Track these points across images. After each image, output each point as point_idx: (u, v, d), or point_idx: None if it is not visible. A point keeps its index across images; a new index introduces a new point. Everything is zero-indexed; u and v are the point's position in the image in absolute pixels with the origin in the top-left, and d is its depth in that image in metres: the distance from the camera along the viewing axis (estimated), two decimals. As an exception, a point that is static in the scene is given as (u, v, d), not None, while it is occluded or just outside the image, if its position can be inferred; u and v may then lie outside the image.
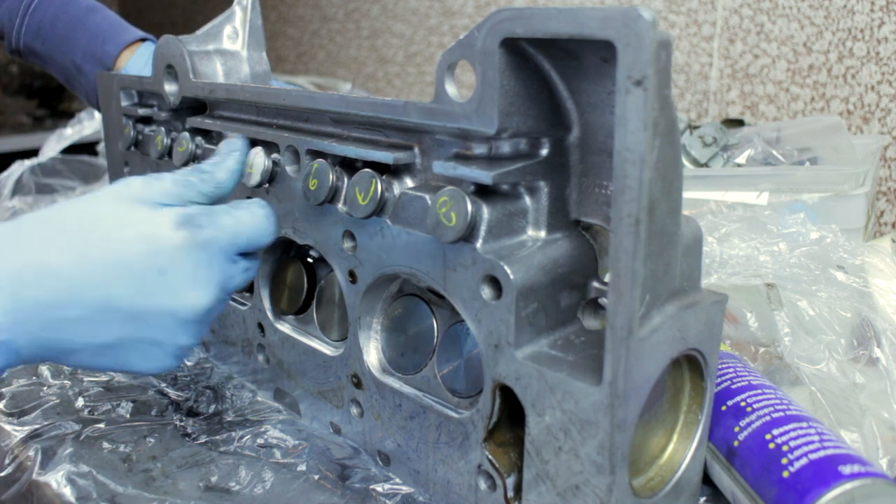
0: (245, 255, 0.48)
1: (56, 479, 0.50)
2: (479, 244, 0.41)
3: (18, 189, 1.19)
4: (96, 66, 0.79)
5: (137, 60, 0.78)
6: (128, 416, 0.58)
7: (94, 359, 0.43)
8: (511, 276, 0.39)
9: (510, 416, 0.44)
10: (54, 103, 2.64)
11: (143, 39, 0.81)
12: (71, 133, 1.29)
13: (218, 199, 0.48)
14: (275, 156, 0.55)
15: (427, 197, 0.44)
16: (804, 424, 0.43)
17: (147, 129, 0.71)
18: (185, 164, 0.64)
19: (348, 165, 0.51)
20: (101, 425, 0.56)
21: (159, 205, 0.44)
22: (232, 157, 0.50)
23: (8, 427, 0.56)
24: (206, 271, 0.43)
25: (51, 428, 0.55)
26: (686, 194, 0.52)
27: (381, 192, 0.46)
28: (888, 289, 0.60)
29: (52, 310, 0.40)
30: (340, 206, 0.50)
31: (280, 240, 0.58)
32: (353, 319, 0.52)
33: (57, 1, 0.81)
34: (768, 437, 0.43)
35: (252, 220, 0.46)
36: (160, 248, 0.42)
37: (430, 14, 1.63)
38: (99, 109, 0.81)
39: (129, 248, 0.41)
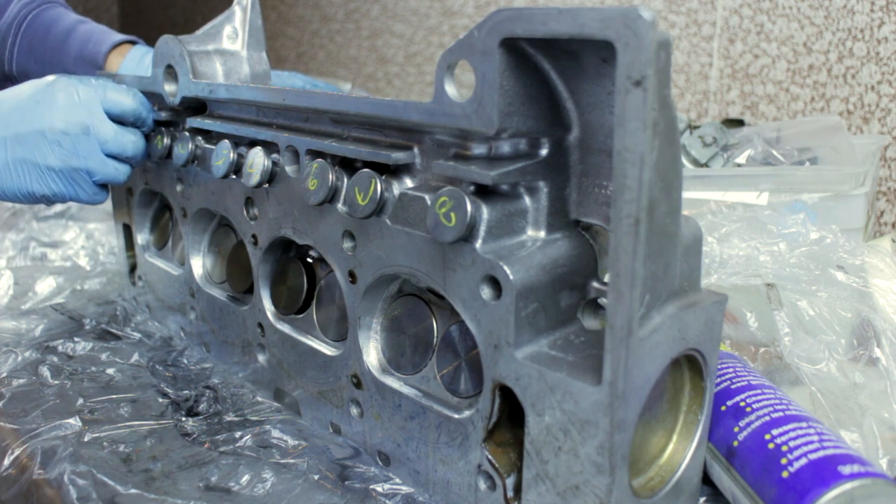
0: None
1: (56, 479, 0.50)
2: (478, 244, 0.41)
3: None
4: (90, 69, 0.79)
5: (130, 63, 0.79)
6: (128, 416, 0.58)
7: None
8: (511, 277, 0.39)
9: (510, 416, 0.44)
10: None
11: (133, 42, 0.81)
12: (71, 133, 1.29)
13: None
14: (274, 156, 0.55)
15: (427, 197, 0.44)
16: (804, 424, 0.43)
17: (147, 130, 0.71)
18: (185, 164, 0.64)
19: (348, 165, 0.51)
20: (101, 425, 0.56)
21: None
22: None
23: (8, 427, 0.56)
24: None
25: (51, 428, 0.55)
26: (686, 194, 0.52)
27: (381, 193, 0.46)
28: (888, 289, 0.60)
29: None
30: (340, 206, 0.50)
31: (280, 240, 0.58)
32: (352, 319, 0.52)
33: (46, 19, 0.82)
34: (768, 437, 0.43)
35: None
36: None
37: (430, 14, 1.63)
38: None
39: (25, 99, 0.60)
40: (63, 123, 0.60)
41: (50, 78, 0.61)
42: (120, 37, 0.81)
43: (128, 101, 0.63)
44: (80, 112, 0.60)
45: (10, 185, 0.61)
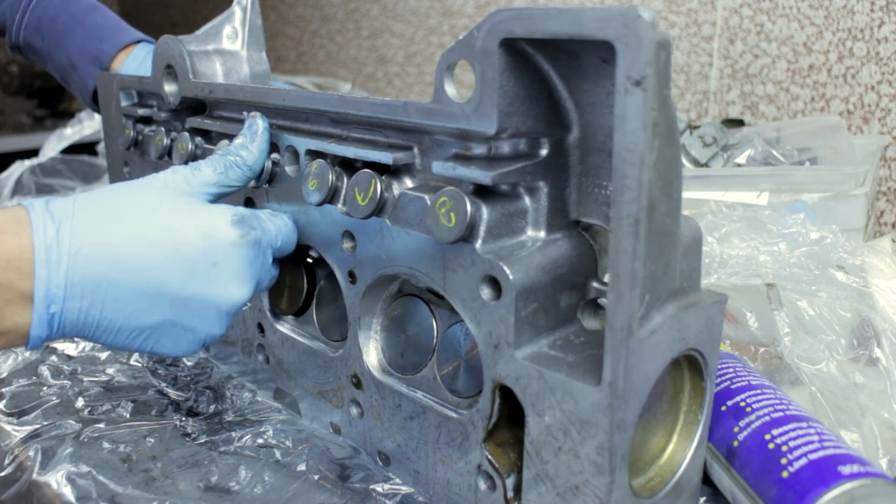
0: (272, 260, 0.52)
1: (56, 479, 0.50)
2: (478, 244, 0.41)
3: (18, 189, 1.20)
4: (92, 65, 0.79)
5: (132, 62, 0.78)
6: (128, 416, 0.58)
7: (129, 340, 0.45)
8: (510, 277, 0.39)
9: (510, 416, 0.44)
10: (54, 103, 2.64)
11: (140, 41, 0.81)
12: (71, 133, 1.29)
13: (251, 180, 0.53)
14: (274, 156, 0.55)
15: (426, 197, 0.44)
16: (804, 424, 0.43)
17: (147, 129, 0.71)
18: (185, 164, 0.64)
19: (348, 166, 0.51)
20: (101, 425, 0.56)
21: (208, 198, 0.48)
22: (258, 138, 0.52)
23: (8, 427, 0.56)
24: (251, 268, 0.47)
25: (51, 428, 0.55)
26: (686, 194, 0.52)
27: (381, 193, 0.46)
28: (888, 289, 0.60)
29: (104, 287, 0.41)
30: (340, 206, 0.50)
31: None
32: (352, 319, 0.52)
33: None
34: (768, 437, 0.43)
35: (286, 228, 0.52)
36: (217, 243, 0.45)
37: (430, 14, 1.63)
38: (92, 107, 0.82)
39: (188, 239, 0.44)
40: (245, 295, 0.47)
41: (231, 237, 0.46)
42: (129, 37, 0.80)
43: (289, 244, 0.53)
44: (257, 282, 0.49)
45: (148, 345, 0.46)
